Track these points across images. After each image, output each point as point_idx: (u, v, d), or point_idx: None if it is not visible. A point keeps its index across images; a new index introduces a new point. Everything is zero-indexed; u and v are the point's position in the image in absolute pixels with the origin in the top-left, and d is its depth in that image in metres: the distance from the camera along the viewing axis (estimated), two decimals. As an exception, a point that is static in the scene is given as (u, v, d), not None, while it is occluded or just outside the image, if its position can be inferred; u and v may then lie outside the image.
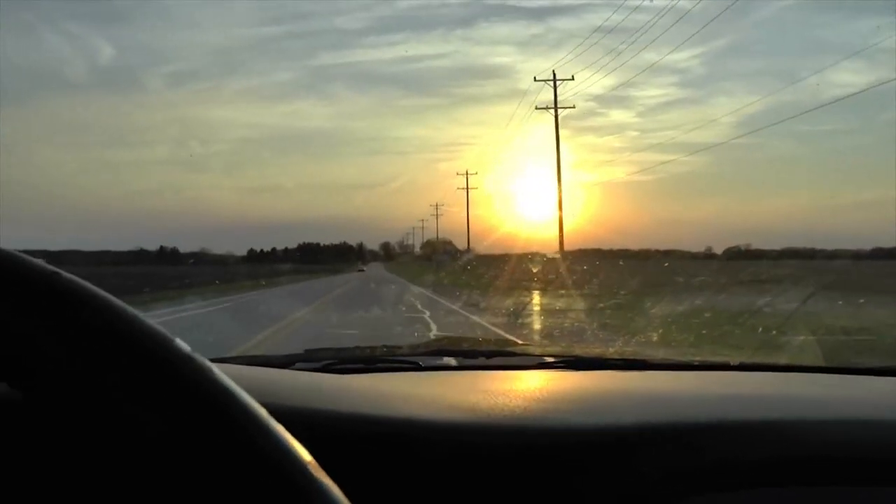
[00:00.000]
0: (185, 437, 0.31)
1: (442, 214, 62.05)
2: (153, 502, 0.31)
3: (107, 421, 0.31)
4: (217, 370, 0.33)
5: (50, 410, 0.32)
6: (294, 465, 0.32)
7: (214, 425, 0.32)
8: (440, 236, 63.98)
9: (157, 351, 0.32)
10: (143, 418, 0.31)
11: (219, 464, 0.31)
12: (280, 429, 0.33)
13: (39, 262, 0.33)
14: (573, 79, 28.30)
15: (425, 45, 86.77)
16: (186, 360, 0.33)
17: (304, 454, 0.33)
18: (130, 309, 0.34)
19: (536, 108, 28.06)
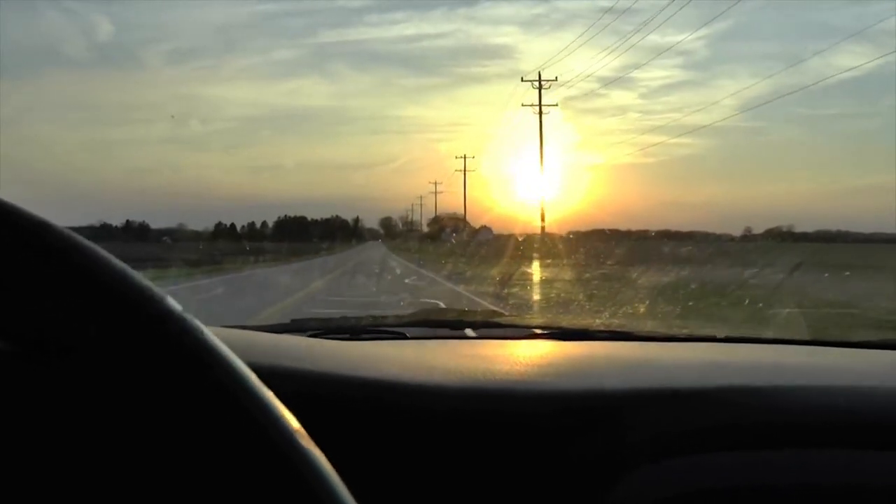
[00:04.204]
0: (170, 395, 0.32)
1: (442, 192, 60.77)
2: (133, 453, 0.31)
3: (91, 376, 0.31)
4: (207, 331, 0.33)
5: (36, 364, 0.32)
6: (280, 431, 0.32)
7: (200, 384, 0.32)
8: (444, 212, 61.12)
9: (146, 307, 0.33)
10: (128, 373, 0.31)
11: (203, 424, 0.31)
12: (269, 394, 0.33)
13: (29, 212, 0.33)
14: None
15: (427, 24, 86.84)
16: (177, 319, 0.33)
17: (293, 421, 0.33)
18: (120, 263, 0.33)
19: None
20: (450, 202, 63.71)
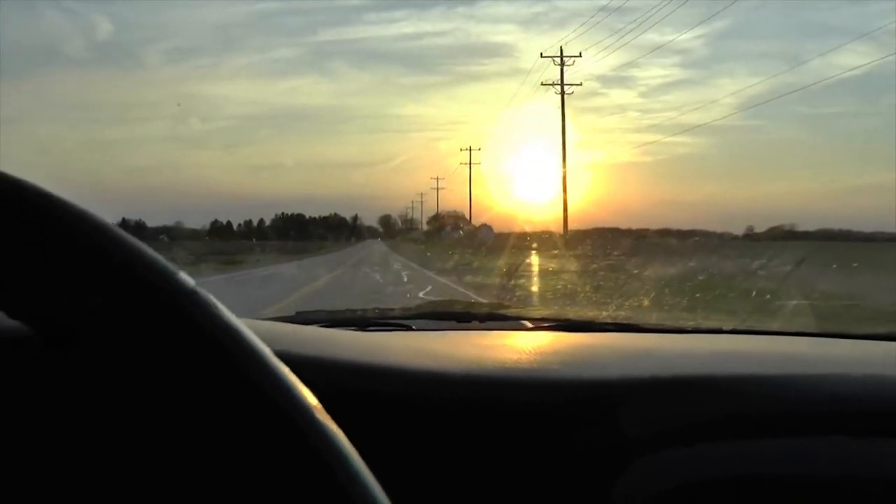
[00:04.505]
0: (185, 372, 0.31)
1: (444, 189, 60.32)
2: (149, 433, 0.31)
3: (105, 354, 0.31)
4: (221, 306, 0.33)
5: (49, 340, 0.31)
6: (296, 407, 0.32)
7: (214, 360, 0.32)
8: (444, 210, 60.96)
9: (158, 282, 0.32)
10: (140, 348, 0.31)
11: (217, 401, 0.31)
12: (285, 369, 0.33)
13: (31, 183, 0.32)
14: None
15: (426, 23, 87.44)
16: (190, 293, 0.33)
17: (310, 397, 0.33)
18: (133, 238, 0.33)
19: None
20: (449, 200, 63.73)
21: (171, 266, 0.33)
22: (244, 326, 0.33)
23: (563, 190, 26.92)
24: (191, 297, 0.33)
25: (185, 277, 0.33)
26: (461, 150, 49.31)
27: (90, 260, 0.32)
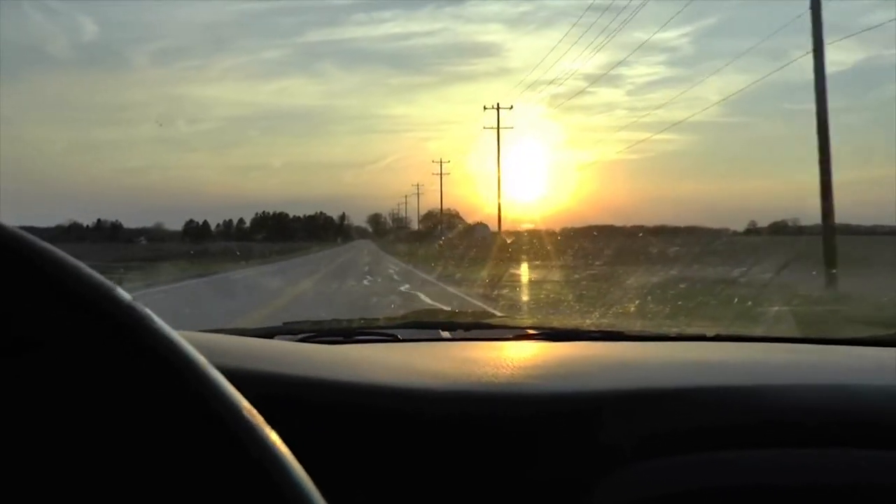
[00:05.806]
0: (124, 383, 0.33)
1: (447, 174, 52.14)
2: (90, 446, 0.32)
3: (45, 369, 0.33)
4: (158, 319, 0.35)
5: None
6: (233, 415, 0.34)
7: (153, 372, 0.34)
8: (436, 207, 55.03)
9: (97, 298, 0.34)
10: (81, 365, 0.33)
11: (156, 411, 0.33)
12: (220, 378, 0.35)
13: None
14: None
15: (414, 23, 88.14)
16: (127, 308, 0.35)
17: (245, 404, 0.35)
18: (71, 258, 0.35)
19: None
20: (438, 197, 62.77)
21: (108, 282, 0.35)
22: (180, 337, 0.36)
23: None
24: (128, 311, 0.34)
25: (122, 292, 0.35)
26: (485, 108, 34.48)
27: (30, 282, 0.33)
